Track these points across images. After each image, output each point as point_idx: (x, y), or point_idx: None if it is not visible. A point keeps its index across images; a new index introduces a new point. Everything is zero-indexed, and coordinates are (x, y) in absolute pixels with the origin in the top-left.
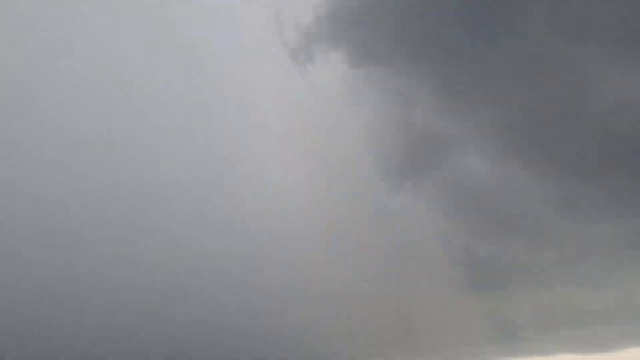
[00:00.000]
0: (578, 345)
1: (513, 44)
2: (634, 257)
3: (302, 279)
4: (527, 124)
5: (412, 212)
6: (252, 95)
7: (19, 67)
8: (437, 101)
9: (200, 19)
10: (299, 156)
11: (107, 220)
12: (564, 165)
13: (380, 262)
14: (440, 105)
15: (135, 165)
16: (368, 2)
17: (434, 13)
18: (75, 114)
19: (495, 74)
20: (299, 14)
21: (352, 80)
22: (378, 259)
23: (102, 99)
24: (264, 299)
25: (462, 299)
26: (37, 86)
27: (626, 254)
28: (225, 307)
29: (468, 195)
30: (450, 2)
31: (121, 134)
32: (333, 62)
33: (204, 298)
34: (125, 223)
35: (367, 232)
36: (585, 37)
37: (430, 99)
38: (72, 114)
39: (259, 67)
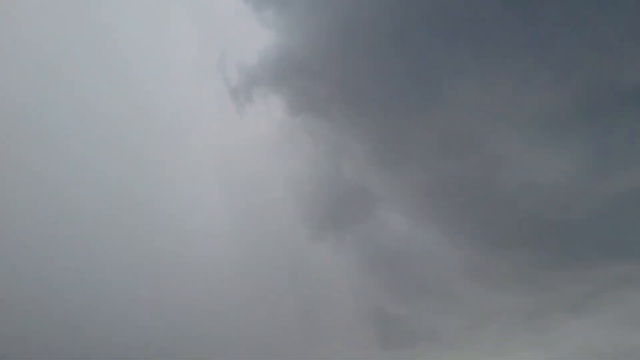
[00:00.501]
0: None
1: (442, 113)
2: (527, 328)
3: (209, 325)
4: (447, 191)
5: (331, 264)
6: (183, 125)
7: None
8: (368, 158)
9: (142, 39)
10: (225, 196)
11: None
12: (475, 234)
13: (292, 314)
14: (370, 162)
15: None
16: (315, 53)
17: (376, 75)
18: None
19: (423, 140)
20: (245, 54)
21: (288, 127)
22: (291, 309)
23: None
24: (165, 342)
25: (368, 356)
26: None
27: (520, 324)
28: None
29: (386, 252)
30: (393, 66)
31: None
32: (272, 107)
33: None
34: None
35: (284, 281)
36: (509, 116)
37: (361, 155)
38: None
39: (196, 99)
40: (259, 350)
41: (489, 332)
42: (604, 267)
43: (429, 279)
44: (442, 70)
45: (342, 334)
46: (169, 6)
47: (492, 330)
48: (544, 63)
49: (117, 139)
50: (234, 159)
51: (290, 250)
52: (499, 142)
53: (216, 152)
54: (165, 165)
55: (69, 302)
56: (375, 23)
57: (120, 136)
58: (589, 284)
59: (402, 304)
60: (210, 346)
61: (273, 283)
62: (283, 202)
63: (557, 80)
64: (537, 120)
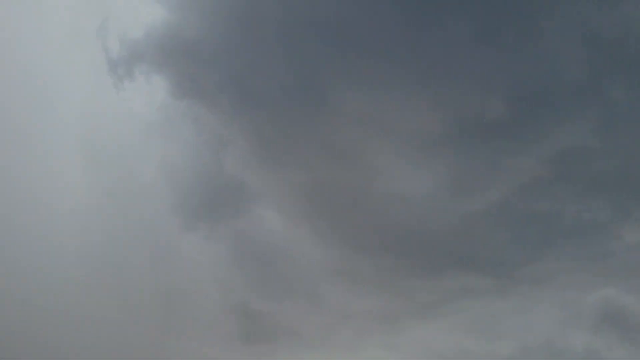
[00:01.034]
0: None
1: (326, 119)
2: (380, 330)
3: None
4: (324, 194)
5: (200, 255)
6: (52, 92)
7: None
8: (251, 153)
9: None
10: (88, 175)
11: None
12: (346, 238)
13: (150, 307)
14: (252, 158)
15: None
16: (208, 39)
17: (268, 73)
18: None
19: (306, 143)
20: (130, 26)
21: (170, 110)
22: (149, 302)
23: None
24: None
25: (227, 350)
26: None
27: (375, 326)
28: None
29: (257, 249)
30: (284, 67)
31: None
32: (154, 87)
33: None
34: None
35: (146, 273)
36: (389, 131)
37: (244, 149)
38: None
39: (71, 67)
40: (107, 348)
41: (347, 332)
42: (450, 278)
43: (297, 278)
44: (330, 78)
45: (203, 328)
46: None
47: (350, 330)
48: (425, 88)
49: None
50: (104, 136)
51: (157, 238)
52: (377, 154)
53: (85, 127)
54: (25, 132)
55: None
56: (272, 20)
57: None
58: (436, 293)
59: (268, 301)
60: (48, 349)
61: (132, 274)
62: (155, 187)
63: (434, 104)
64: (412, 138)
